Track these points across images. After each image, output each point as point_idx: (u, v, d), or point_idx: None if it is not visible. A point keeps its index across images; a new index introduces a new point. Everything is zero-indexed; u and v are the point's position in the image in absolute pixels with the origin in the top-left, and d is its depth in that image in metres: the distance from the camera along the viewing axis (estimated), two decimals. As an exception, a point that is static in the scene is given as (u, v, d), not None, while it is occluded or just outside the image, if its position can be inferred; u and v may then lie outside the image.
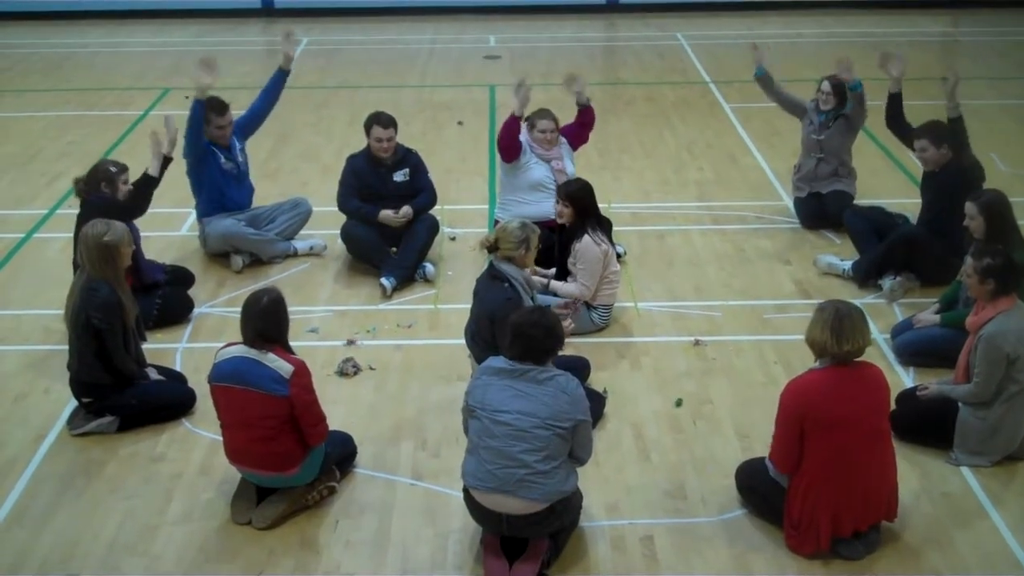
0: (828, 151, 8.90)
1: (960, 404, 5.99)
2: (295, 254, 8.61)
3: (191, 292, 7.88)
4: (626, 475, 6.02)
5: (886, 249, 7.91)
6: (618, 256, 7.78)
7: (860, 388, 5.22)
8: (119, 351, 6.28)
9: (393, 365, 7.14)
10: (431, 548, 5.47)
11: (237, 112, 8.56)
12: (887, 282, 7.84)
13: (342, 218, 8.40)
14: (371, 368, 7.09)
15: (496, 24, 16.55)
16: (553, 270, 7.59)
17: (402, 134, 8.49)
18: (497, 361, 5.22)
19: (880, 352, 7.07)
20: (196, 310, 7.76)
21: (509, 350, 5.18)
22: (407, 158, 8.35)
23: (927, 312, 7.10)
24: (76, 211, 7.37)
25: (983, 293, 5.92)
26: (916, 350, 6.96)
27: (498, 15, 16.96)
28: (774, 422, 5.33)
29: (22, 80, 13.94)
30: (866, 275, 7.99)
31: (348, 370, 7.02)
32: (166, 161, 7.61)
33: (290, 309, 5.71)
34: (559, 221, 7.53)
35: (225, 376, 5.52)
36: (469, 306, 6.63)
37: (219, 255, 8.48)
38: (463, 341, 6.71)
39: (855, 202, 8.87)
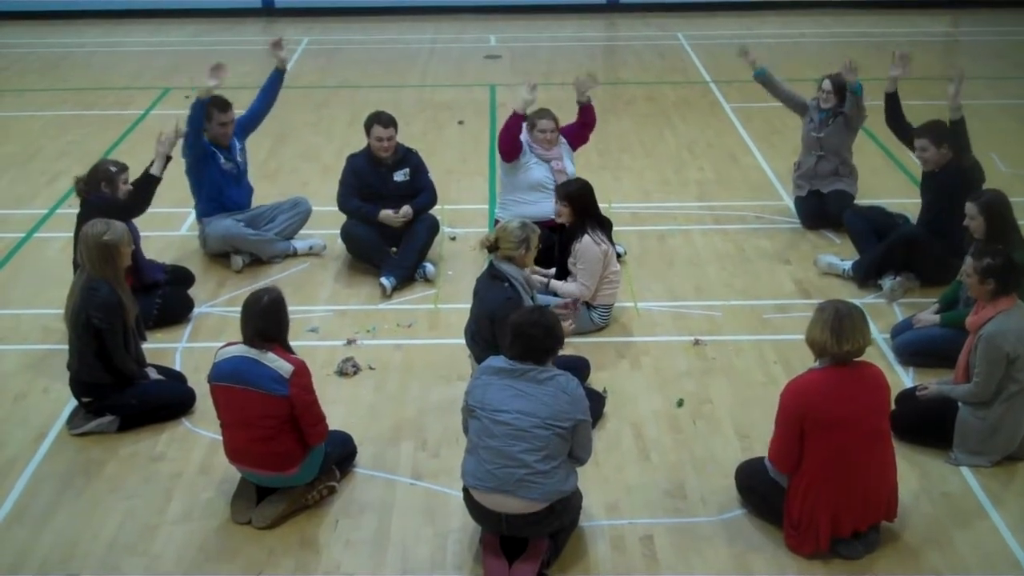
0: (828, 149, 8.91)
1: (960, 404, 5.99)
2: (295, 254, 8.61)
3: (191, 292, 7.88)
4: (626, 475, 6.02)
5: (886, 249, 7.91)
6: (618, 256, 7.78)
7: (860, 388, 5.22)
8: (119, 351, 6.28)
9: (393, 365, 7.14)
10: (431, 548, 5.47)
11: (237, 112, 8.56)
12: (887, 282, 7.84)
13: (342, 218, 8.40)
14: (371, 368, 7.09)
15: (497, 24, 16.55)
16: (553, 270, 7.59)
17: (402, 134, 8.49)
18: (497, 361, 5.22)
19: (880, 352, 7.07)
20: (196, 310, 7.76)
21: (509, 350, 5.18)
22: (407, 158, 8.35)
23: (927, 312, 7.10)
24: (76, 210, 7.37)
25: (983, 293, 5.92)
26: (916, 350, 6.96)
27: (499, 15, 16.96)
28: (774, 422, 5.33)
29: (19, 80, 13.94)
30: (866, 275, 7.99)
31: (348, 370, 7.02)
32: (167, 160, 7.61)
33: (290, 309, 5.71)
34: (558, 221, 7.53)
35: (225, 376, 5.52)
36: (469, 306, 6.63)
37: (219, 255, 8.49)
38: (463, 341, 6.71)
39: (855, 202, 8.87)
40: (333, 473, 5.86)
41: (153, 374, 6.58)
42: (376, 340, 7.43)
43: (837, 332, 5.14)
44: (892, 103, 8.27)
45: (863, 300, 7.67)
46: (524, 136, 8.35)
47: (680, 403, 6.65)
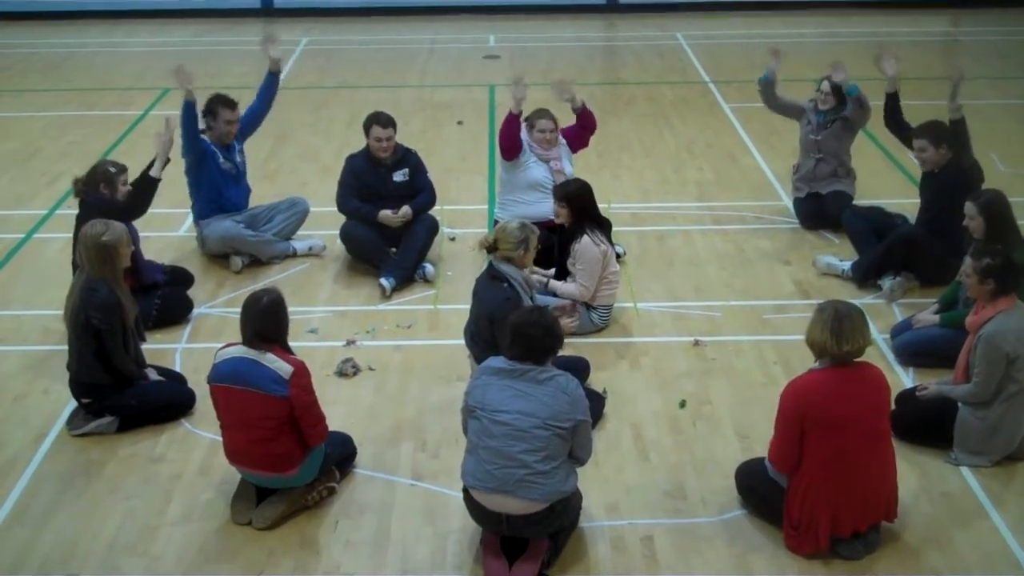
0: (826, 151, 8.90)
1: (960, 404, 5.99)
2: (294, 254, 8.61)
3: (190, 293, 7.88)
4: (626, 475, 6.02)
5: (885, 249, 7.91)
6: (617, 256, 7.78)
7: (860, 388, 5.22)
8: (118, 351, 6.28)
9: (393, 365, 7.14)
10: (431, 548, 5.47)
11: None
12: (886, 282, 7.84)
13: (341, 218, 8.40)
14: (371, 368, 7.09)
15: (496, 24, 16.55)
16: (552, 270, 7.59)
17: (402, 134, 8.49)
18: (497, 361, 5.22)
19: (879, 352, 7.06)
20: (195, 311, 7.76)
21: (509, 350, 5.18)
22: (407, 158, 8.35)
23: (926, 312, 7.10)
24: (76, 211, 7.37)
25: (983, 293, 5.92)
26: (915, 350, 6.96)
27: (498, 15, 16.96)
28: (774, 422, 5.33)
29: (21, 80, 13.94)
30: (865, 275, 7.99)
31: (348, 370, 7.02)
32: (166, 162, 7.61)
33: (290, 309, 5.71)
34: (557, 221, 7.53)
35: (224, 377, 5.52)
36: (468, 306, 6.63)
37: (218, 256, 8.48)
38: (463, 341, 6.71)
39: (854, 202, 8.87)
40: (333, 474, 5.86)
41: (153, 375, 6.57)
42: (376, 341, 7.43)
43: (837, 333, 5.14)
44: (892, 103, 8.26)
45: (862, 300, 7.66)
46: (524, 135, 8.36)
47: (683, 404, 6.64)
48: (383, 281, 7.99)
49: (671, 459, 6.15)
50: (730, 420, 6.49)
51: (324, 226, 8.85)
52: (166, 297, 7.57)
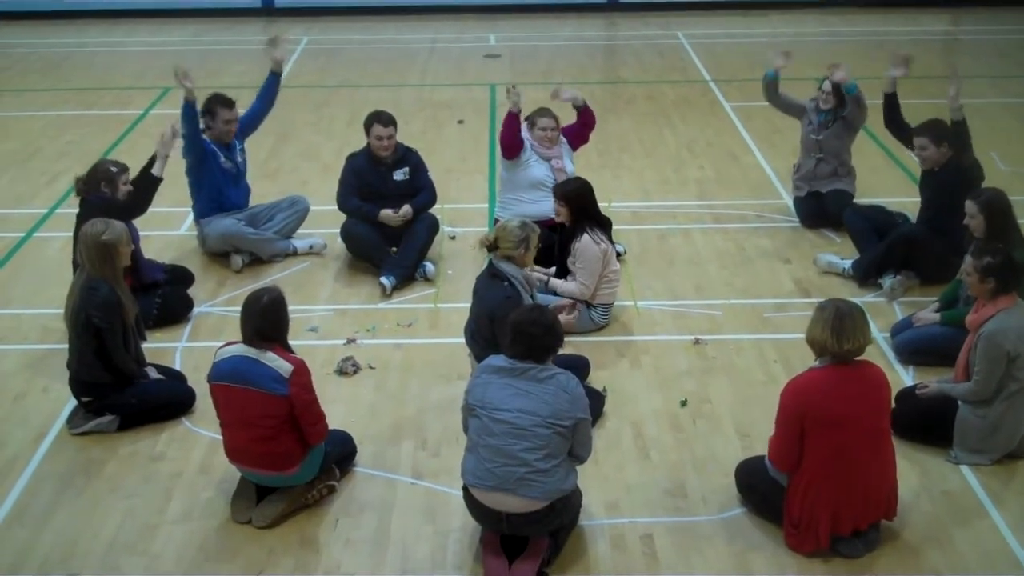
0: (827, 151, 8.89)
1: (960, 402, 5.99)
2: (295, 253, 8.61)
3: (191, 291, 7.88)
4: (626, 474, 6.01)
5: (886, 248, 7.91)
6: (618, 255, 7.78)
7: (860, 387, 5.22)
8: (119, 350, 6.28)
9: (393, 364, 7.14)
10: (431, 547, 5.47)
11: (239, 111, 8.56)
12: (887, 281, 7.84)
13: (342, 217, 8.40)
14: (371, 367, 7.09)
15: (496, 23, 16.54)
16: (553, 269, 7.59)
17: (402, 133, 8.49)
18: (497, 359, 5.22)
19: (880, 351, 7.06)
20: (196, 309, 7.76)
21: (509, 349, 5.18)
22: (407, 157, 8.35)
23: (927, 310, 7.09)
24: (76, 210, 7.37)
25: (983, 292, 5.91)
26: (916, 348, 6.96)
27: (498, 14, 16.95)
28: (774, 421, 5.32)
29: (21, 79, 13.94)
30: (866, 274, 7.99)
31: (348, 369, 7.02)
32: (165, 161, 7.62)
33: (290, 308, 5.71)
34: (557, 220, 7.53)
35: (225, 375, 5.52)
36: (469, 305, 6.63)
37: (219, 254, 8.48)
38: (463, 340, 6.71)
39: (855, 201, 8.87)
40: (333, 472, 5.86)
41: (153, 373, 6.58)
42: (376, 339, 7.43)
43: (837, 331, 5.14)
44: (891, 103, 8.25)
45: (863, 299, 7.67)
46: (525, 134, 8.36)
47: (684, 403, 6.64)
48: (383, 280, 7.99)
49: (671, 457, 6.15)
50: (730, 418, 6.49)
51: (325, 225, 8.85)
52: (166, 296, 7.57)
